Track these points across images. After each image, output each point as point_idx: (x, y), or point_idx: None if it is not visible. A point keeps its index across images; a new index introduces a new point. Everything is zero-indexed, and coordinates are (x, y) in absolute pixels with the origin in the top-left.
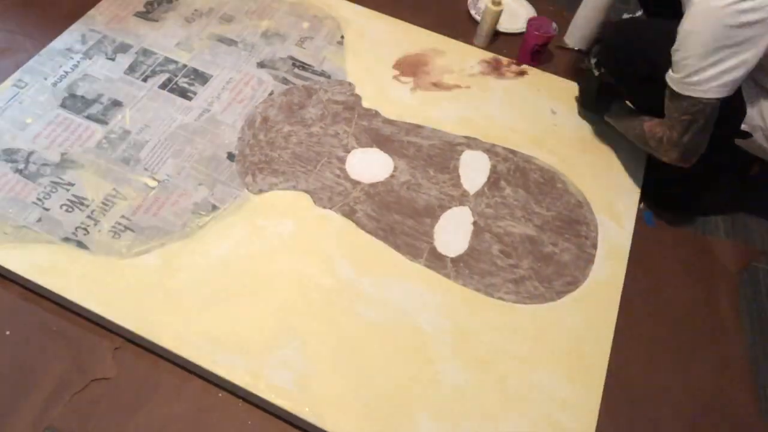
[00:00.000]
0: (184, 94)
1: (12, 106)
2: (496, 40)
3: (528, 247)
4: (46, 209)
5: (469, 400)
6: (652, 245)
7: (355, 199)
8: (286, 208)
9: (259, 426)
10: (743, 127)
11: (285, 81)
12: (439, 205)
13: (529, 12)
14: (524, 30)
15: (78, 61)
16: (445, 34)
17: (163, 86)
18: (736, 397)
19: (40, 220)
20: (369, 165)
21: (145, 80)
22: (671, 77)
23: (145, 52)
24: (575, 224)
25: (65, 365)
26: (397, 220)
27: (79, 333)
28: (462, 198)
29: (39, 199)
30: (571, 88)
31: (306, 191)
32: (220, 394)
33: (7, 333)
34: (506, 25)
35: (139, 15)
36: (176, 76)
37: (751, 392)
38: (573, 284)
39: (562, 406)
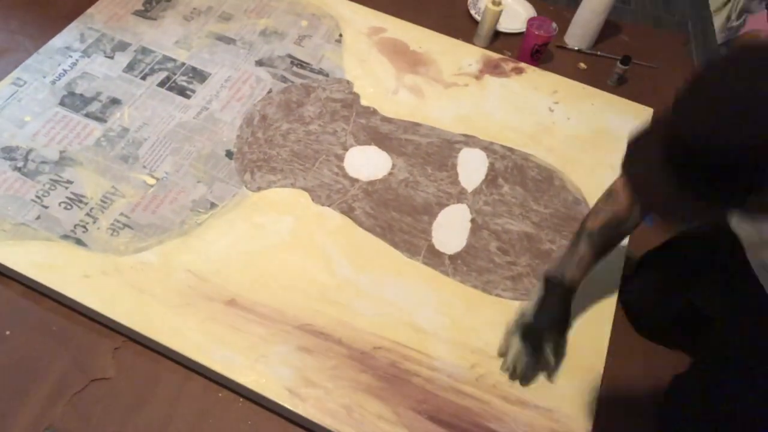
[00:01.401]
0: (182, 92)
1: (11, 104)
2: (496, 40)
3: (526, 245)
4: (45, 207)
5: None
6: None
7: (353, 196)
8: (285, 206)
9: (259, 426)
10: None
11: (283, 79)
12: (437, 202)
13: (529, 12)
14: (524, 30)
15: (77, 60)
16: (444, 34)
17: (161, 84)
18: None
19: (38, 217)
20: (367, 163)
21: (143, 78)
22: None
23: (144, 51)
24: (573, 221)
25: (65, 365)
26: (395, 217)
27: (79, 333)
28: (460, 195)
29: (38, 197)
30: (570, 85)
31: (304, 189)
32: (220, 394)
33: (7, 333)
34: (506, 25)
35: (138, 13)
36: (175, 74)
37: None
38: None
39: (559, 402)
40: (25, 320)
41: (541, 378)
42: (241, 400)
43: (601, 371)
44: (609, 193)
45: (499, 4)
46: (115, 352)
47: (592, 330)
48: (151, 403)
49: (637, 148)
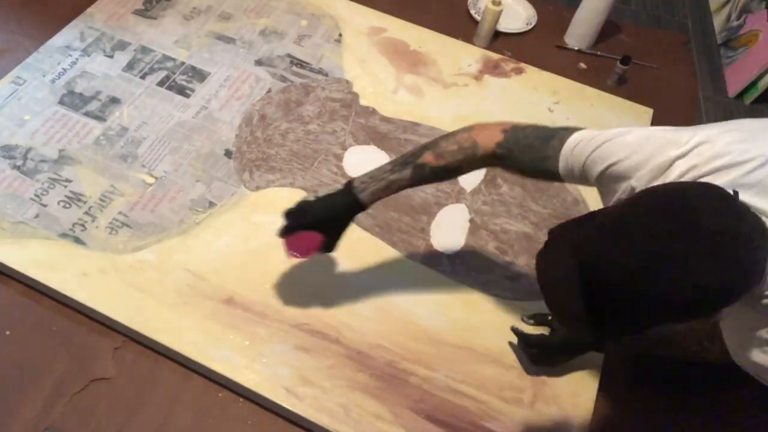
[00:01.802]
0: (182, 91)
1: (10, 103)
2: (496, 40)
3: (524, 245)
4: (44, 205)
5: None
6: None
7: None
8: (283, 205)
9: (259, 426)
10: None
11: (283, 79)
12: (435, 202)
13: (529, 12)
14: (524, 30)
15: (76, 59)
16: (445, 34)
17: (161, 83)
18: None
19: (37, 216)
20: (366, 162)
21: (143, 77)
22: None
23: (144, 50)
24: None
25: (65, 365)
26: (393, 217)
27: (79, 333)
28: (458, 195)
29: (37, 195)
30: (570, 86)
31: (303, 188)
32: (220, 394)
33: (7, 333)
34: (506, 25)
35: (138, 13)
36: (174, 73)
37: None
38: None
39: (558, 401)
40: (25, 320)
41: (542, 375)
42: (241, 400)
43: (600, 371)
44: (471, 144)
45: (499, 4)
46: (115, 352)
47: None
48: (151, 403)
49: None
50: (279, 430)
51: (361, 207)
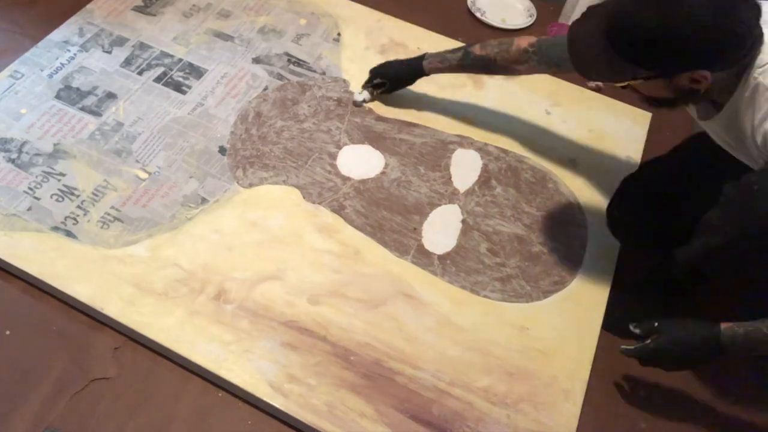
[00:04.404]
0: (178, 87)
1: (7, 97)
2: None
3: (516, 246)
4: (37, 198)
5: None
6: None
7: (345, 194)
8: (276, 203)
9: (259, 426)
10: None
11: (280, 77)
12: (428, 202)
13: (529, 10)
14: (523, 27)
15: (74, 54)
16: (444, 34)
17: (158, 80)
18: (735, 398)
19: (30, 208)
20: (360, 161)
21: (140, 73)
22: None
23: (142, 46)
24: (565, 224)
25: (65, 365)
26: (385, 216)
27: (79, 332)
28: (452, 196)
29: (30, 188)
30: (568, 88)
31: (296, 186)
32: (220, 394)
33: (7, 333)
34: (507, 22)
35: (137, 9)
36: (172, 70)
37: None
38: (560, 284)
39: (545, 406)
40: (25, 320)
41: (529, 378)
42: (240, 400)
43: (587, 375)
44: (509, 41)
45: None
46: (115, 352)
47: (580, 334)
48: (151, 403)
49: (579, 33)
50: (279, 431)
51: (422, 73)
